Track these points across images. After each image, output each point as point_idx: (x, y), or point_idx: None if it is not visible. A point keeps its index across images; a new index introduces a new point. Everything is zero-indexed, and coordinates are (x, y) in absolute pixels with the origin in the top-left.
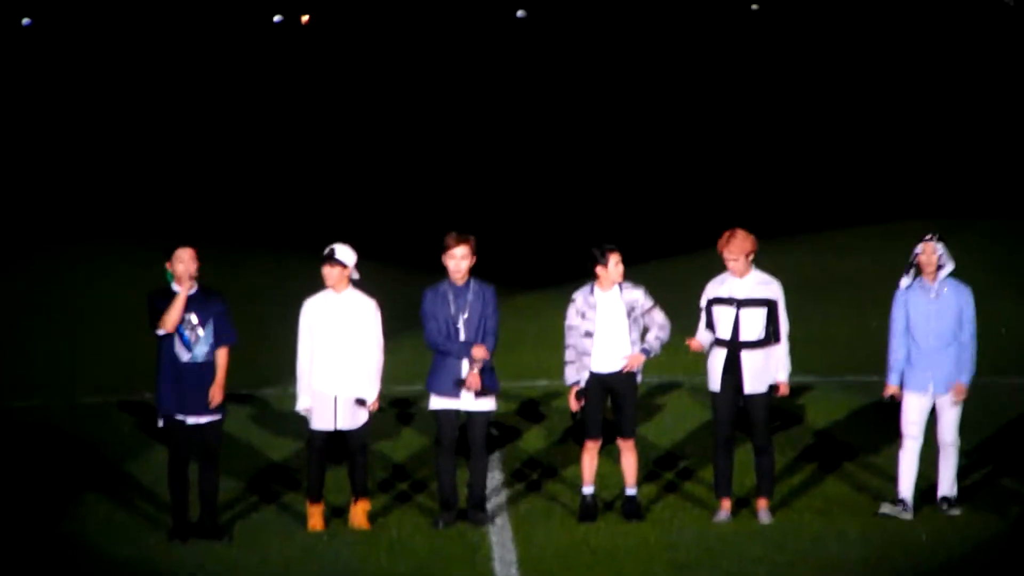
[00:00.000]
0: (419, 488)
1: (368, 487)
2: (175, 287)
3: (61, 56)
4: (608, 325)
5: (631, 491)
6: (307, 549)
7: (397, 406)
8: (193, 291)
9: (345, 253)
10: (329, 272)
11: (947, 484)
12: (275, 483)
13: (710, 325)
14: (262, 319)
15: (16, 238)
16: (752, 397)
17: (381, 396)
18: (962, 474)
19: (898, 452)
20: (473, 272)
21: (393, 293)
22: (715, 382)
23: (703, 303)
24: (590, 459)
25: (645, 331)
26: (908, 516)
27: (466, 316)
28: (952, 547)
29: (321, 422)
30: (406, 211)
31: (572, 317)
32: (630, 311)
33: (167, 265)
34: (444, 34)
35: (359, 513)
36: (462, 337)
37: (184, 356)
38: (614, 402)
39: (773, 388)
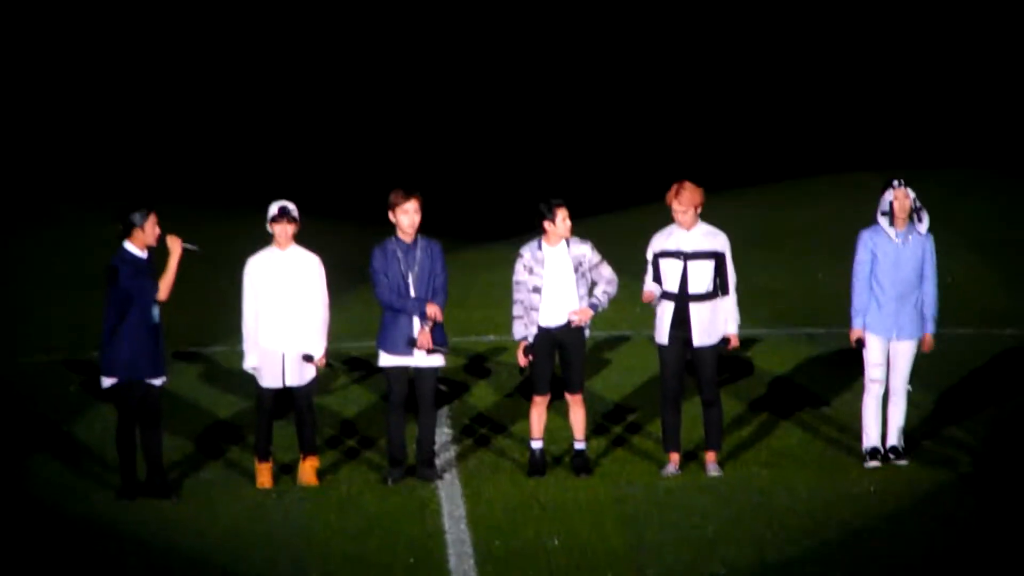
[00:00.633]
0: (368, 444)
1: (316, 444)
2: (131, 248)
3: None
4: (556, 280)
5: (580, 445)
6: (256, 507)
7: (345, 363)
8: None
9: (295, 210)
10: (284, 229)
11: (895, 434)
12: (223, 441)
13: (657, 279)
14: (207, 278)
15: None
16: (700, 350)
17: (328, 352)
18: (912, 425)
19: (862, 398)
20: (420, 228)
21: (339, 250)
22: (663, 336)
23: (649, 256)
24: (539, 414)
25: (593, 286)
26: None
27: (416, 273)
28: (901, 499)
29: (269, 379)
30: (349, 167)
31: (520, 272)
32: (577, 266)
33: (134, 233)
34: None
35: (308, 470)
36: (412, 294)
37: (155, 318)
38: (562, 357)
39: (724, 341)
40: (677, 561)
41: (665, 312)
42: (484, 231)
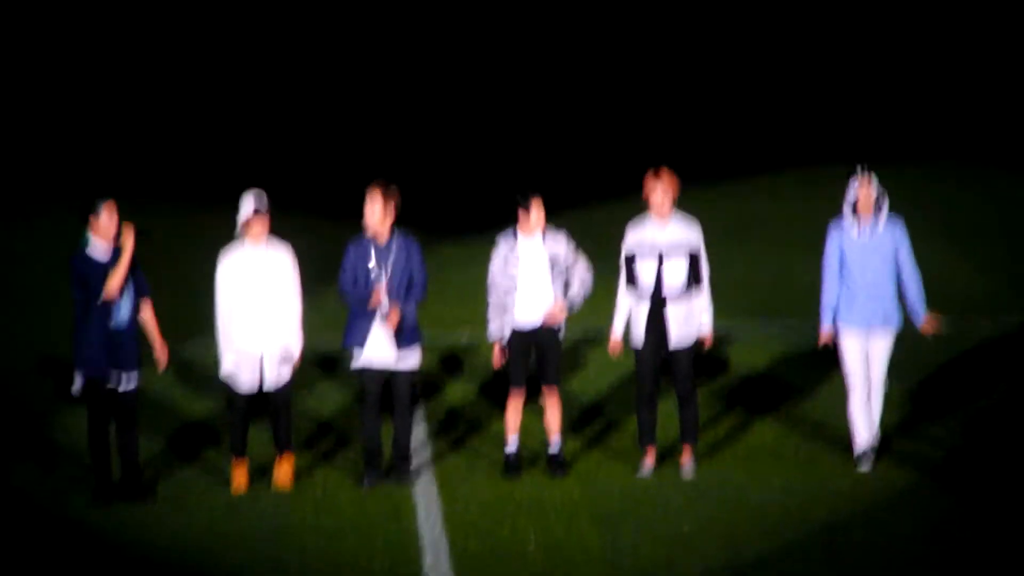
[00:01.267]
0: (343, 444)
1: (292, 443)
2: (95, 245)
3: None
4: (531, 276)
5: (555, 447)
6: (231, 507)
7: (320, 360)
8: (109, 254)
9: (267, 201)
10: (262, 225)
11: (871, 432)
12: (197, 441)
13: (631, 279)
14: (180, 274)
15: None
16: (676, 348)
17: (303, 350)
18: (887, 420)
19: (847, 403)
20: (396, 223)
21: (314, 245)
22: (638, 337)
23: (623, 257)
24: (514, 408)
25: (567, 285)
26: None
27: (389, 269)
28: (877, 494)
29: (248, 382)
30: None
31: (495, 264)
32: (553, 264)
33: (92, 221)
34: None
35: (284, 470)
36: (384, 290)
37: (114, 319)
38: (538, 356)
39: (698, 343)
40: (653, 559)
41: (640, 313)
42: (458, 225)
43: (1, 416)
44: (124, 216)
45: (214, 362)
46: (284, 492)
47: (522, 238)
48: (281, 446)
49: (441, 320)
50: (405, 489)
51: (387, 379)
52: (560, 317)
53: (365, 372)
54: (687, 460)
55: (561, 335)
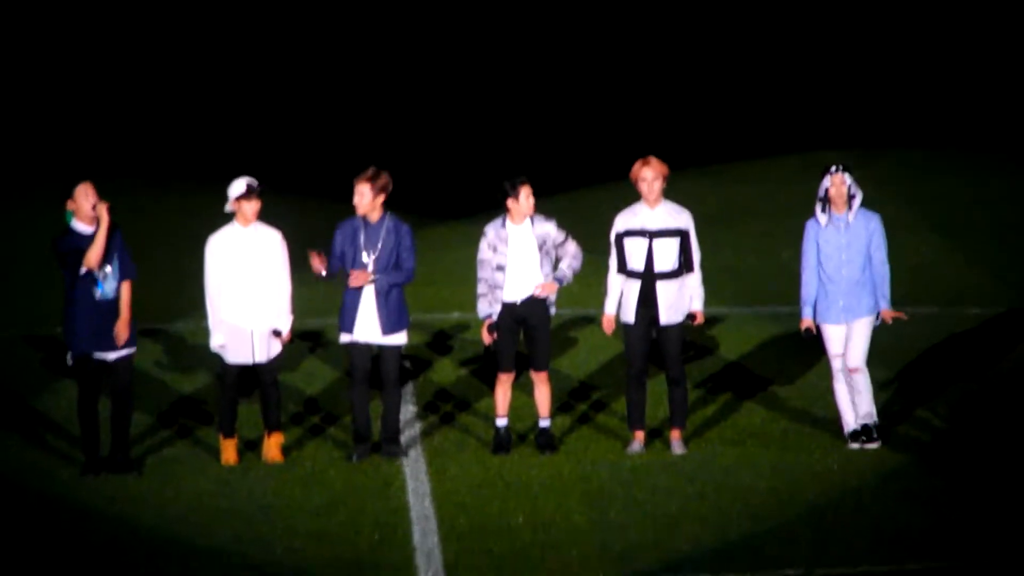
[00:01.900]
0: (332, 421)
1: (281, 421)
2: (77, 225)
3: None
4: (520, 258)
5: (545, 423)
6: (220, 483)
7: (308, 339)
8: (93, 227)
9: (258, 185)
10: (253, 206)
11: (861, 414)
12: (187, 417)
13: (621, 258)
14: (170, 253)
15: None
16: (666, 328)
17: (293, 328)
18: (876, 404)
19: (833, 387)
20: (386, 205)
21: (304, 227)
22: (628, 314)
23: (613, 236)
24: (503, 391)
25: (558, 263)
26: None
27: (376, 252)
28: (865, 476)
29: (238, 355)
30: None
31: (484, 251)
32: (542, 244)
33: (68, 204)
34: None
35: (273, 447)
36: (371, 270)
37: (96, 294)
38: (527, 334)
39: (689, 317)
40: (641, 538)
41: (631, 290)
42: (449, 208)
43: None
44: (111, 195)
45: (204, 340)
46: (273, 467)
47: (511, 224)
48: (270, 423)
49: (431, 301)
50: (394, 465)
51: (375, 356)
52: (551, 289)
53: (353, 348)
54: (676, 442)
55: (552, 312)
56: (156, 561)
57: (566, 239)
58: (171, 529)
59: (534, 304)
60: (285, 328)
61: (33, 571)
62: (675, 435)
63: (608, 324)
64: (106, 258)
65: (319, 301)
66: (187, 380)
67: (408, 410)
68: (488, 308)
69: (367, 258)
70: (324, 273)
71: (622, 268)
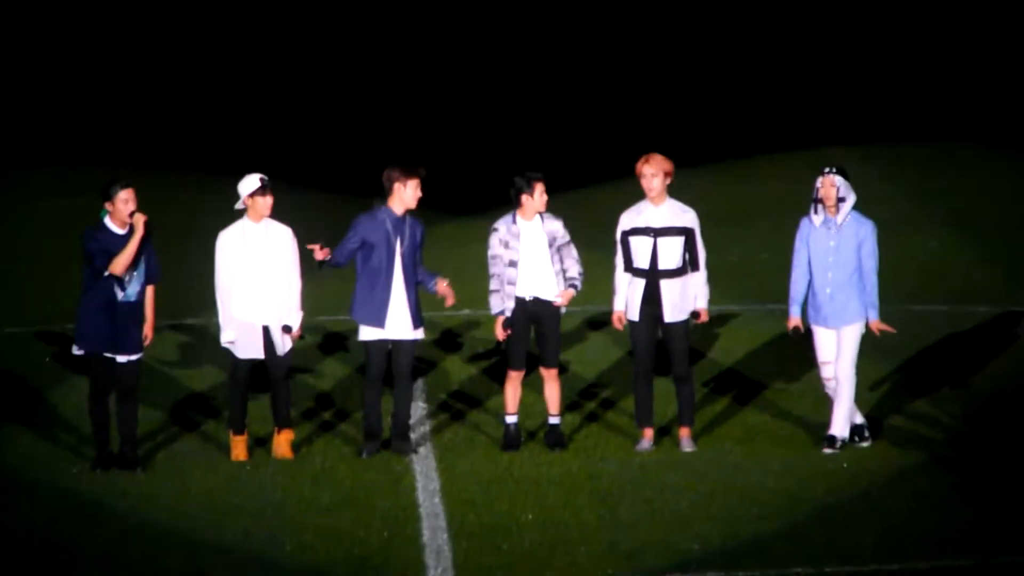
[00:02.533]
0: (342, 418)
1: (291, 417)
2: (110, 224)
3: None
4: (532, 254)
5: (554, 420)
6: (230, 479)
7: (320, 335)
8: (126, 230)
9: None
10: (266, 202)
11: (837, 423)
12: (198, 414)
13: (627, 256)
14: (182, 250)
15: None
16: (671, 326)
17: (303, 325)
18: (886, 403)
19: (823, 391)
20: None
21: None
22: (633, 312)
23: (618, 235)
24: (513, 389)
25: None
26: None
27: (405, 246)
28: (874, 476)
29: (249, 351)
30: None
31: (495, 247)
32: (552, 241)
33: (106, 205)
34: None
35: (282, 443)
36: (397, 264)
37: (119, 295)
38: (538, 331)
39: (693, 315)
40: (650, 536)
41: (636, 288)
42: (459, 205)
43: (1, 384)
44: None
45: (215, 337)
46: (283, 463)
47: (521, 220)
48: (280, 420)
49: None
50: (404, 462)
51: (388, 351)
52: (570, 297)
53: (371, 345)
54: (685, 440)
55: (562, 312)
56: (166, 556)
57: (569, 242)
58: (181, 525)
59: (546, 301)
60: (296, 324)
61: (44, 565)
62: (684, 433)
63: (618, 320)
64: (133, 264)
65: (329, 297)
66: (197, 376)
67: (418, 407)
68: (501, 304)
69: (399, 249)
70: (328, 259)
71: (628, 266)
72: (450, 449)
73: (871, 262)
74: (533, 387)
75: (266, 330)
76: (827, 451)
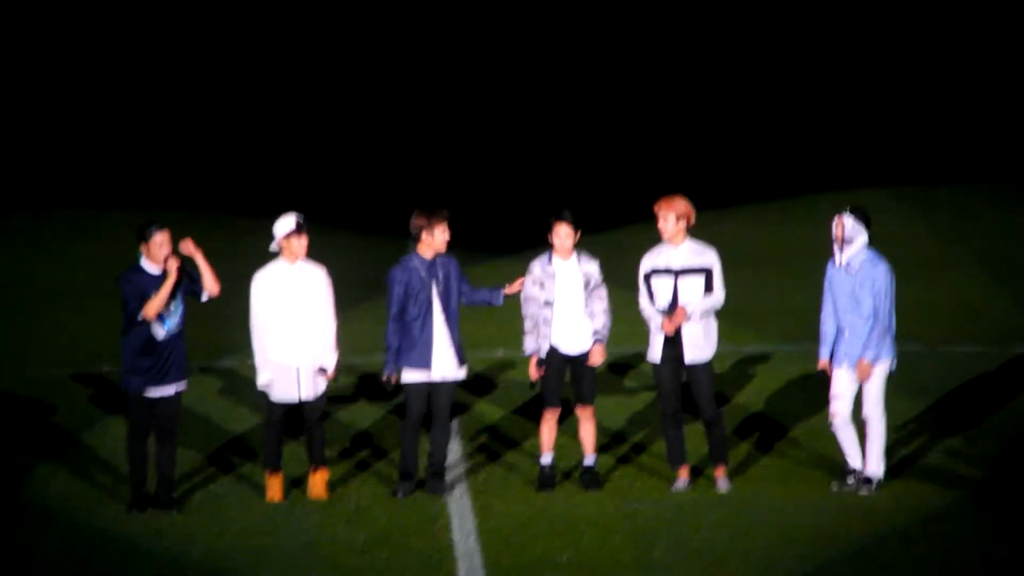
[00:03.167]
0: (378, 457)
1: (326, 457)
2: (146, 264)
3: None
4: (567, 295)
5: (589, 460)
6: (266, 519)
7: (355, 376)
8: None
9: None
10: (301, 243)
11: (871, 461)
12: (233, 455)
13: (650, 296)
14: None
15: None
16: (694, 369)
17: (338, 365)
18: (924, 442)
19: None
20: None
21: (348, 263)
22: (655, 354)
23: (641, 277)
24: (548, 428)
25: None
26: (864, 492)
27: (440, 288)
28: (911, 515)
29: (285, 393)
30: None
31: (529, 287)
32: (587, 282)
33: (141, 247)
34: None
35: (318, 483)
36: (436, 307)
37: (160, 335)
38: (573, 372)
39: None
40: None
41: (657, 330)
42: (492, 246)
43: (39, 425)
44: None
45: (250, 378)
46: (318, 503)
47: (557, 260)
48: (315, 460)
49: (475, 338)
50: (439, 502)
51: (428, 394)
52: (602, 352)
53: (413, 387)
54: (721, 480)
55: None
56: None
57: (601, 284)
58: (217, 565)
59: (581, 342)
60: (330, 366)
61: None
62: (719, 472)
63: (668, 326)
64: (170, 299)
65: (367, 338)
66: (233, 417)
67: (454, 447)
68: (535, 344)
69: (435, 291)
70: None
71: (650, 301)
72: (485, 489)
73: (876, 301)
74: (568, 427)
75: (299, 372)
76: (863, 492)
